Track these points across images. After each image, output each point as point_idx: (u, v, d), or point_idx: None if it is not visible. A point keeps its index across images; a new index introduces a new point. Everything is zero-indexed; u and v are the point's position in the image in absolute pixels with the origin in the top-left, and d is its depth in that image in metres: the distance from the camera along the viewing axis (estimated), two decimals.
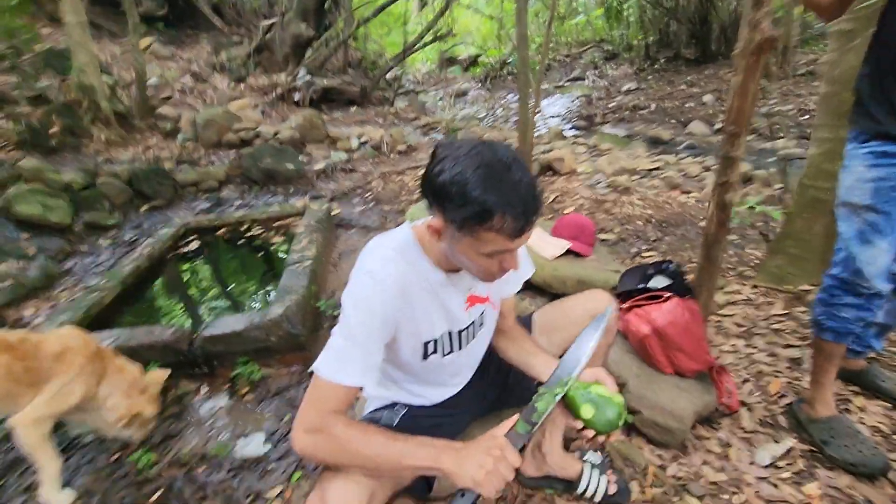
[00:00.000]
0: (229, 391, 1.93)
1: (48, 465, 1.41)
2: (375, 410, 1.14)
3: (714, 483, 1.36)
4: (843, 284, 1.31)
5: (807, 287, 2.16)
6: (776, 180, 3.45)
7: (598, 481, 1.31)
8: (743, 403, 1.60)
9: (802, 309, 2.05)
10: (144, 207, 3.99)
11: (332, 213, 3.62)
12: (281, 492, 1.46)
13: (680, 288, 1.62)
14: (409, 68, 13.13)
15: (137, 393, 1.54)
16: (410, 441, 0.83)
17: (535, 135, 4.46)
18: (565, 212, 3.47)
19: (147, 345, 1.91)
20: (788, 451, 1.43)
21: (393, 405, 1.13)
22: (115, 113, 4.91)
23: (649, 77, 9.46)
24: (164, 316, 2.56)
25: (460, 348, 1.07)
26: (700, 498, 1.31)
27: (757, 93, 1.33)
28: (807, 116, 5.35)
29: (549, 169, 4.36)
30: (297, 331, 2.00)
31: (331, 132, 5.93)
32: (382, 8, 9.24)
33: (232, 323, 1.99)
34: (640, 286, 1.70)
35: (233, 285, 2.89)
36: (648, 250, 2.89)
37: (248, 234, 3.31)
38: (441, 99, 10.85)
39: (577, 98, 9.13)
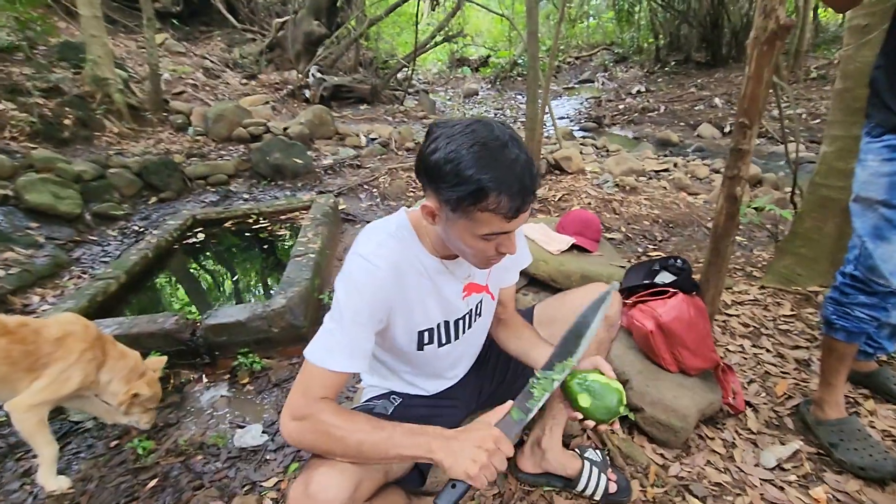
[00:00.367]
0: (229, 381, 1.92)
1: (44, 450, 1.41)
2: (370, 399, 1.12)
3: (717, 484, 1.33)
4: (856, 282, 1.28)
5: (816, 288, 2.11)
6: (785, 183, 3.41)
7: (598, 479, 1.28)
8: (748, 404, 1.57)
9: (811, 310, 2.01)
10: (153, 199, 4.02)
11: (339, 208, 3.62)
12: (277, 483, 1.45)
13: (686, 284, 1.59)
14: (420, 68, 13.18)
15: (137, 378, 1.54)
16: (398, 429, 0.81)
17: (544, 135, 4.44)
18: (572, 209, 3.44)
19: (149, 333, 1.91)
20: (795, 453, 1.39)
21: (389, 394, 1.12)
22: (127, 106, 4.98)
23: (659, 80, 9.40)
24: (169, 305, 2.57)
25: (457, 338, 1.05)
26: (702, 499, 1.28)
27: (770, 84, 1.29)
28: (818, 121, 5.28)
29: (556, 167, 4.33)
30: (299, 322, 2.00)
31: (340, 129, 5.95)
32: (394, 7, 9.28)
33: (235, 313, 1.98)
34: (646, 282, 1.67)
35: (237, 277, 2.90)
36: (654, 250, 2.86)
37: (255, 226, 3.32)
38: (451, 99, 10.87)
39: (587, 100, 9.09)
